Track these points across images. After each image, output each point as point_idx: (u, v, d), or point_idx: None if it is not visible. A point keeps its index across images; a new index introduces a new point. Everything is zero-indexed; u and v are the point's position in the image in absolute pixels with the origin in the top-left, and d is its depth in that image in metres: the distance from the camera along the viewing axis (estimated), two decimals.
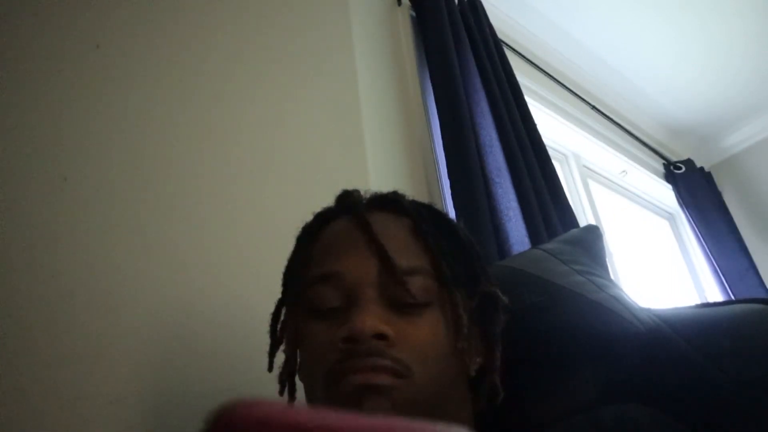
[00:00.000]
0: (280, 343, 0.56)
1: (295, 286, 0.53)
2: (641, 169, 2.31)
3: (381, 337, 0.45)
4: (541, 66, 1.95)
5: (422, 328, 0.47)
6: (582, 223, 1.51)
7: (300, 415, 0.18)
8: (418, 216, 0.54)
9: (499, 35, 1.65)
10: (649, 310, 0.60)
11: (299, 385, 0.54)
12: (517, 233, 1.11)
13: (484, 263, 0.57)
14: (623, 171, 2.25)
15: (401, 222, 0.53)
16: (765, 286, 2.16)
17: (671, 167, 2.47)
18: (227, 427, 0.18)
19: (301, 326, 0.51)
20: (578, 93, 2.08)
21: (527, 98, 1.54)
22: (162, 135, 0.81)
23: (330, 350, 0.46)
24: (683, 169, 2.46)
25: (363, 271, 0.49)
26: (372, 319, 0.45)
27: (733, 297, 2.07)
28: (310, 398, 0.51)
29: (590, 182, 2.05)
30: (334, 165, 1.02)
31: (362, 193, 0.58)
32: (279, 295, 0.57)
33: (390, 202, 0.56)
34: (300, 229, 0.57)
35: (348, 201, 0.56)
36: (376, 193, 0.58)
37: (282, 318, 0.56)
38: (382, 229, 0.50)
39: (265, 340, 0.56)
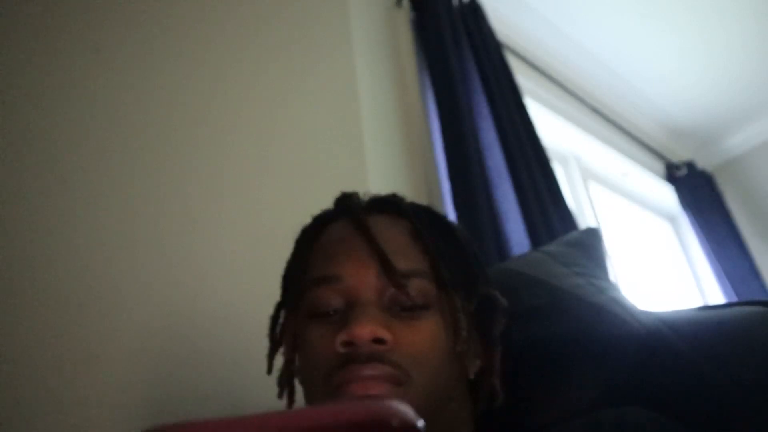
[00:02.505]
0: (280, 346, 0.56)
1: (295, 289, 0.53)
2: (642, 170, 2.30)
3: (380, 341, 0.45)
4: (541, 68, 1.95)
5: (421, 332, 0.47)
6: (582, 225, 1.51)
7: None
8: (417, 218, 0.54)
9: (499, 37, 1.65)
10: (649, 312, 0.60)
11: (298, 388, 0.54)
12: (517, 235, 1.11)
13: (483, 265, 0.57)
14: (624, 173, 2.25)
15: (400, 224, 0.53)
16: (767, 289, 2.15)
17: (673, 169, 2.47)
18: None
19: (300, 329, 0.51)
20: (579, 95, 2.07)
21: (527, 100, 1.54)
22: (160, 137, 0.81)
23: (329, 354, 0.46)
24: (685, 171, 2.46)
25: (362, 274, 0.49)
26: (371, 323, 0.45)
27: (734, 299, 2.06)
28: (309, 401, 0.50)
29: (591, 184, 2.04)
30: (333, 167, 1.01)
31: (361, 195, 0.58)
32: (278, 298, 0.57)
33: (389, 204, 0.56)
34: (299, 232, 0.57)
35: (346, 203, 0.56)
36: (374, 195, 0.58)
37: (281, 321, 0.56)
38: (380, 232, 0.50)
39: (265, 343, 0.56)
